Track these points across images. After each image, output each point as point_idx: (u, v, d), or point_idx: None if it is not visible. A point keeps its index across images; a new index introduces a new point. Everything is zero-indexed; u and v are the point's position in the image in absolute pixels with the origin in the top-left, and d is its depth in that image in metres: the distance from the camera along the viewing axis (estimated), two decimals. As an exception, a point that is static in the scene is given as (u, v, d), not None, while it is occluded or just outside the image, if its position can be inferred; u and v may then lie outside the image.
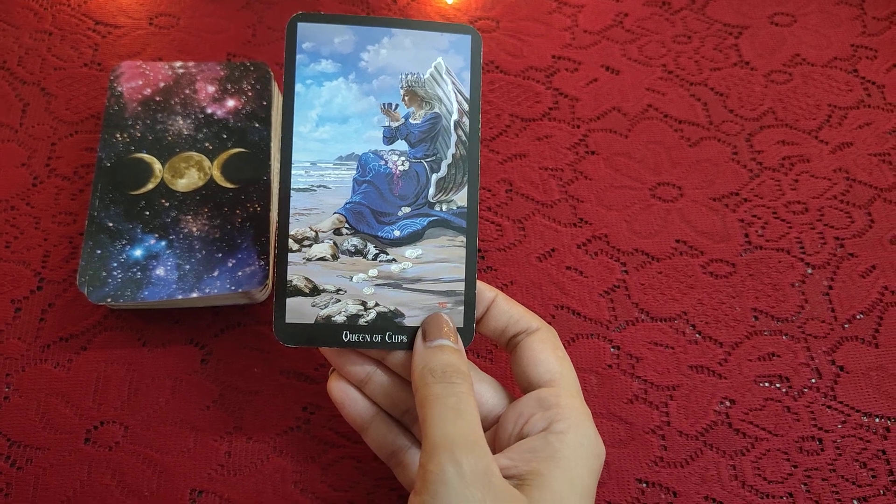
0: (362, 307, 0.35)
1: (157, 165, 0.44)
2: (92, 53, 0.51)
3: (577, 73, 0.51)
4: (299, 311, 0.35)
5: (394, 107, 0.36)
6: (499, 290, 0.37)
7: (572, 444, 0.31)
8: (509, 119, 0.49)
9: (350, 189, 0.35)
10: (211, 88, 0.46)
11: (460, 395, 0.31)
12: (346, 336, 0.35)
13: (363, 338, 0.35)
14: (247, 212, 0.42)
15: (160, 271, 0.40)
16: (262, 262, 0.41)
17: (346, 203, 0.35)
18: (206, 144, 0.44)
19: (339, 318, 0.35)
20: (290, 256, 0.35)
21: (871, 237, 0.45)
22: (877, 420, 0.40)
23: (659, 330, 0.43)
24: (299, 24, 0.36)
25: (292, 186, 0.35)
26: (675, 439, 0.40)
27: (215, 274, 0.40)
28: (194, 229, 0.42)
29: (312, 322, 0.34)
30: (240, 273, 0.40)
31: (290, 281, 0.35)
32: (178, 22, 0.53)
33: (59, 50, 0.51)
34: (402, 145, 0.36)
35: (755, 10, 0.54)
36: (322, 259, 0.35)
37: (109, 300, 0.39)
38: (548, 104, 0.50)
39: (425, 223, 0.36)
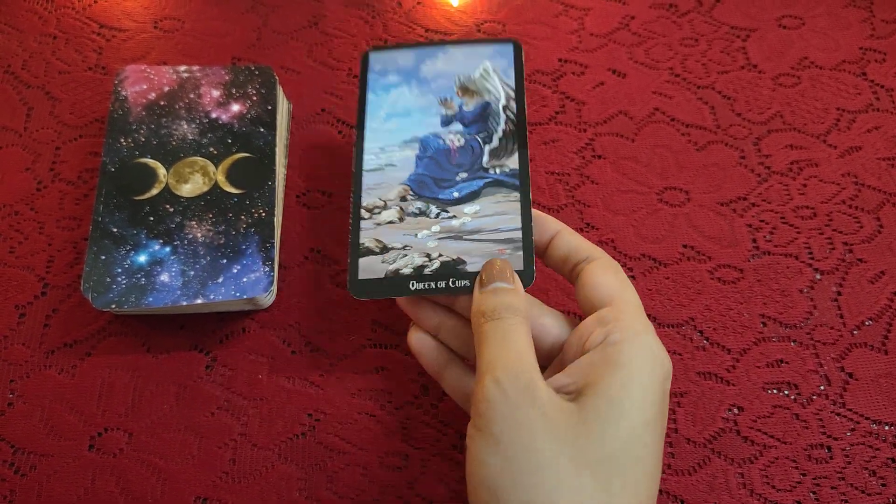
0: (427, 258, 0.38)
1: (161, 170, 0.43)
2: (96, 57, 0.51)
3: (584, 77, 0.51)
4: (370, 268, 0.38)
5: (449, 99, 0.42)
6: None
7: (628, 351, 0.31)
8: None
9: (413, 164, 0.41)
10: (216, 93, 0.46)
11: (508, 327, 0.32)
12: (412, 285, 0.37)
13: (429, 285, 0.37)
14: (252, 217, 0.42)
15: (164, 277, 0.40)
16: (267, 268, 0.40)
17: (410, 175, 0.40)
18: (211, 149, 0.44)
19: (407, 270, 0.37)
20: (363, 224, 0.39)
21: (880, 242, 0.45)
22: (886, 428, 0.40)
23: (666, 336, 0.42)
24: (371, 54, 0.44)
25: (364, 168, 0.40)
26: (683, 447, 0.39)
27: (220, 280, 0.40)
28: (199, 235, 0.41)
29: (382, 276, 0.37)
30: (245, 279, 0.40)
31: (363, 244, 0.38)
32: (183, 25, 0.53)
33: (64, 53, 0.51)
34: (457, 126, 0.41)
35: (763, 12, 0.53)
36: (390, 222, 0.39)
37: (114, 306, 0.39)
38: (554, 108, 0.50)
39: (481, 184, 0.40)
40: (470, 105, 0.42)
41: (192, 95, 0.46)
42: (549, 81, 0.51)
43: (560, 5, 0.54)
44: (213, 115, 0.45)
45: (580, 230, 0.45)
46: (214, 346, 0.42)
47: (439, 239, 0.38)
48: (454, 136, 0.41)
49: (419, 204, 0.39)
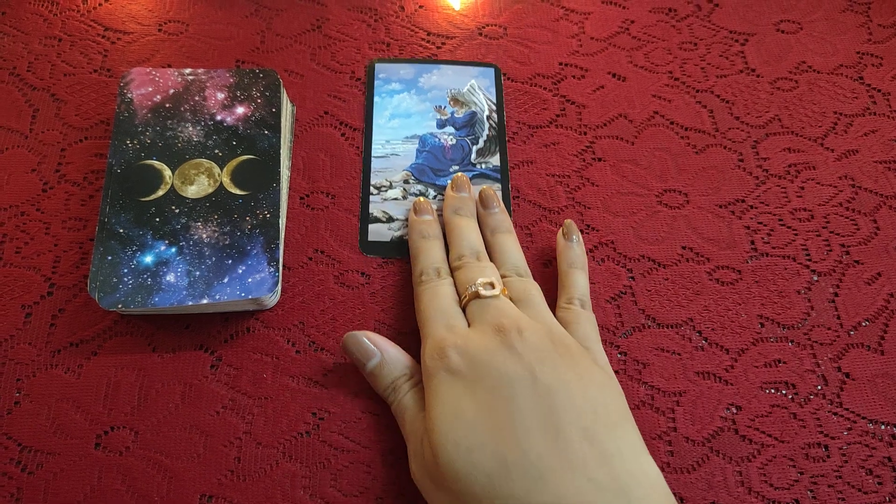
0: None
1: (167, 172, 0.44)
2: (101, 60, 0.52)
3: (584, 80, 0.52)
4: (378, 233, 0.46)
5: (443, 107, 0.50)
6: None
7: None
8: (516, 126, 0.50)
9: (414, 155, 0.49)
10: (220, 95, 0.47)
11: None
12: None
13: None
14: (256, 218, 0.42)
15: (170, 277, 0.41)
16: (272, 269, 0.41)
17: (412, 164, 0.48)
18: (216, 151, 0.45)
19: (407, 237, 0.45)
20: (371, 198, 0.47)
21: (876, 244, 0.46)
22: (883, 427, 0.40)
23: (665, 336, 0.43)
24: (376, 64, 0.52)
25: (373, 155, 0.48)
26: (682, 445, 0.40)
27: (225, 280, 0.41)
28: (204, 236, 0.42)
29: (388, 240, 0.46)
30: (249, 280, 0.41)
31: (372, 213, 0.46)
32: (187, 28, 0.53)
33: (69, 56, 0.52)
34: (450, 129, 0.50)
35: (761, 17, 0.54)
36: (395, 199, 0.47)
37: (120, 306, 0.40)
38: (555, 111, 0.50)
39: (470, 175, 0.48)
40: (460, 113, 0.50)
41: (197, 98, 0.46)
42: (550, 85, 0.51)
43: (560, 10, 0.54)
44: (218, 118, 0.46)
45: (580, 232, 0.46)
46: (220, 346, 0.42)
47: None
48: (447, 137, 0.49)
49: (419, 187, 0.47)
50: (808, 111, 0.50)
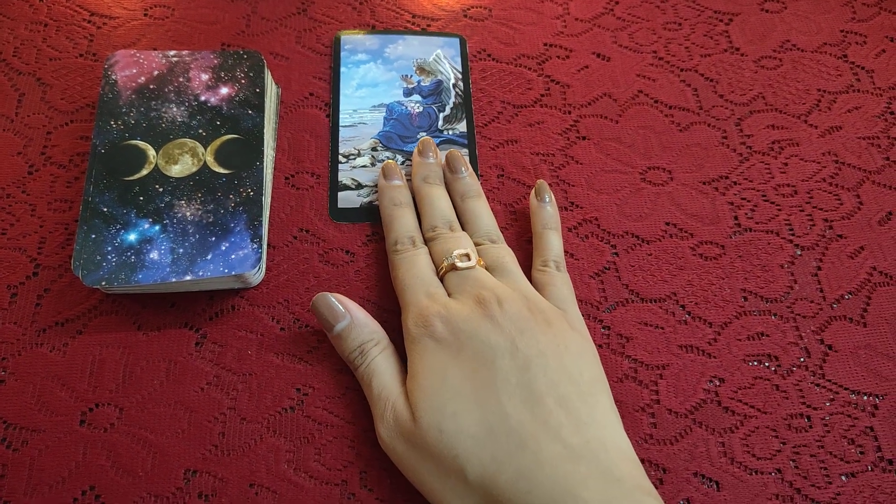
0: None
1: (150, 152, 0.44)
2: (87, 44, 0.52)
3: (569, 61, 0.52)
4: (348, 199, 0.47)
5: (409, 76, 0.51)
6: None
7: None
8: (501, 106, 0.50)
9: (381, 124, 0.49)
10: (205, 76, 0.47)
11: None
12: None
13: None
14: (240, 196, 0.43)
15: (154, 255, 0.41)
16: (255, 245, 0.41)
17: (379, 132, 0.49)
18: (200, 131, 0.45)
19: (377, 203, 0.46)
20: (340, 166, 0.47)
21: (859, 219, 0.46)
22: (865, 398, 0.41)
23: (649, 310, 0.43)
24: (342, 36, 0.53)
25: (340, 125, 0.49)
26: (665, 417, 0.40)
27: (209, 257, 0.41)
28: (188, 214, 0.42)
29: (358, 206, 0.46)
30: (233, 256, 0.41)
31: (341, 181, 0.47)
32: (173, 13, 0.53)
33: (55, 41, 0.52)
34: (416, 97, 0.51)
35: (745, -4, 0.54)
36: (363, 167, 0.48)
37: (104, 283, 0.40)
38: (539, 91, 0.50)
39: (437, 141, 0.49)
40: (426, 82, 0.51)
41: (181, 79, 0.47)
42: (535, 65, 0.51)
43: (545, -9, 0.55)
44: (202, 98, 0.46)
45: (564, 209, 0.46)
46: (204, 324, 0.43)
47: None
48: (414, 105, 0.50)
49: (387, 154, 0.48)
50: (792, 89, 0.50)
